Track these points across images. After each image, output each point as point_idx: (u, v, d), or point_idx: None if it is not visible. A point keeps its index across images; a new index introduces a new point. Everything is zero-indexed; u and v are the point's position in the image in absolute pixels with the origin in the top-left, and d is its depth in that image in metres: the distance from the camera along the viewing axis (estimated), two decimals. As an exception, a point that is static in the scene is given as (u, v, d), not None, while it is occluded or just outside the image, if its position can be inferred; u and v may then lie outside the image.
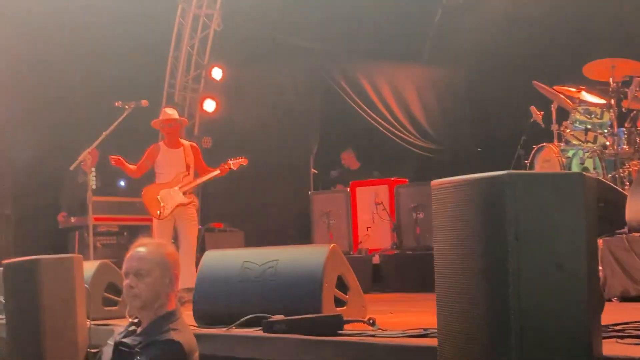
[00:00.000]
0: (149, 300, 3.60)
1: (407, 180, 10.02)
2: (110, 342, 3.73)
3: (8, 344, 5.22)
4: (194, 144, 9.08)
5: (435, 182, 3.06)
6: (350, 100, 12.92)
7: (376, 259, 9.38)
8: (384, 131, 13.10)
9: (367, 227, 9.93)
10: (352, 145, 12.11)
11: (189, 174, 8.63)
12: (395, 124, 13.28)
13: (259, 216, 11.75)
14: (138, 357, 3.48)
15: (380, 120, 13.09)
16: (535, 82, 8.49)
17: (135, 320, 3.71)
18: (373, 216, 9.92)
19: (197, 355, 3.63)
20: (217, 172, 8.73)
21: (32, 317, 4.91)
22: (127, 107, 8.77)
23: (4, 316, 5.56)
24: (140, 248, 3.70)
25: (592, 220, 2.83)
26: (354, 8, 11.74)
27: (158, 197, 8.44)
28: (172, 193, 8.46)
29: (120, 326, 4.22)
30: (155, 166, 8.70)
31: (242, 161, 8.85)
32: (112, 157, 8.54)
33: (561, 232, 2.74)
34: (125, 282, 3.66)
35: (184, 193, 8.49)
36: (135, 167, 8.69)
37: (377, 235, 9.85)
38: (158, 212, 8.42)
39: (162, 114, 8.97)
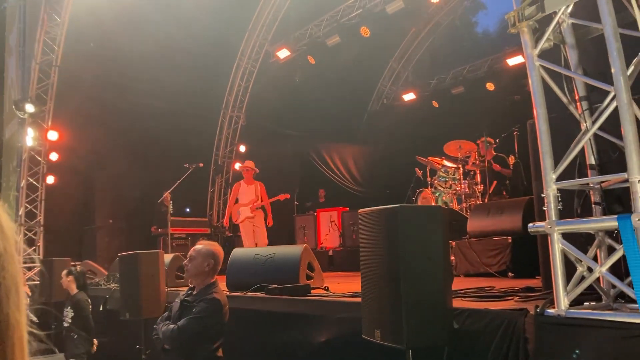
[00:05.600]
0: (194, 274, 3.55)
1: (347, 208, 10.02)
2: (177, 299, 3.65)
3: (120, 301, 5.16)
4: (261, 183, 8.43)
5: (360, 210, 3.01)
6: (316, 164, 13.05)
7: (330, 252, 9.36)
8: (336, 181, 13.18)
9: (325, 234, 9.92)
10: (320, 187, 12.11)
11: (257, 200, 8.30)
12: (342, 177, 13.40)
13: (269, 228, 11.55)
14: (194, 307, 3.41)
15: (333, 175, 13.21)
16: (418, 156, 8.57)
17: (192, 287, 3.64)
18: (329, 228, 9.92)
19: (227, 307, 3.52)
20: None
21: (135, 285, 4.88)
22: (191, 167, 8.70)
23: (118, 285, 5.52)
24: (196, 246, 3.69)
25: (446, 231, 2.84)
26: (320, 113, 11.81)
27: (238, 211, 8.29)
28: (245, 210, 8.26)
29: (183, 291, 4.16)
30: (238, 195, 8.41)
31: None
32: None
33: (430, 238, 2.73)
34: (184, 262, 3.66)
35: (252, 211, 8.23)
36: (232, 204, 8.46)
37: (331, 239, 9.84)
38: (236, 219, 8.32)
39: (246, 162, 8.52)
